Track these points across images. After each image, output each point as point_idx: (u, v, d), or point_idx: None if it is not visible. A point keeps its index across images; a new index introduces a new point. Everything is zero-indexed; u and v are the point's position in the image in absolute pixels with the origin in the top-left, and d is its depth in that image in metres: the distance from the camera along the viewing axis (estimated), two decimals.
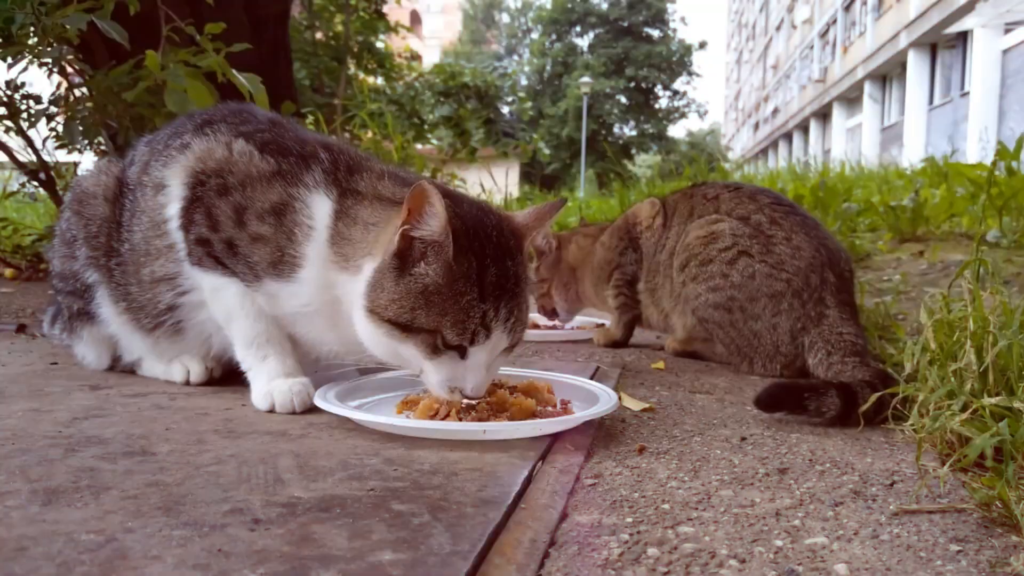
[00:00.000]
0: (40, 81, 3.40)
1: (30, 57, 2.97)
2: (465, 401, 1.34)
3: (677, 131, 58.24)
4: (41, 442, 1.21)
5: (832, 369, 1.86)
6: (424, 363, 1.31)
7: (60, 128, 3.26)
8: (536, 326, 2.81)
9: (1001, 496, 1.00)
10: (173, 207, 1.54)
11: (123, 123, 3.11)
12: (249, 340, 1.52)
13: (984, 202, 3.30)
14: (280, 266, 1.44)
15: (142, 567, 0.78)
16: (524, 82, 39.52)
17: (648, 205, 2.45)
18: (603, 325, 2.69)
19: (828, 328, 1.94)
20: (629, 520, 1.00)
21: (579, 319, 2.98)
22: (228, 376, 1.73)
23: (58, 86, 3.38)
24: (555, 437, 1.33)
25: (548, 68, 41.15)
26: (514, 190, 7.32)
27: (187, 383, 1.71)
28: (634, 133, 40.55)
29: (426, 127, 11.31)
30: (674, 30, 41.73)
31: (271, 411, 1.47)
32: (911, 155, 13.25)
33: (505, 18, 48.85)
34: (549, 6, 42.80)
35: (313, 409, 1.45)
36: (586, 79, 31.34)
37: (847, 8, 27.28)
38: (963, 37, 18.03)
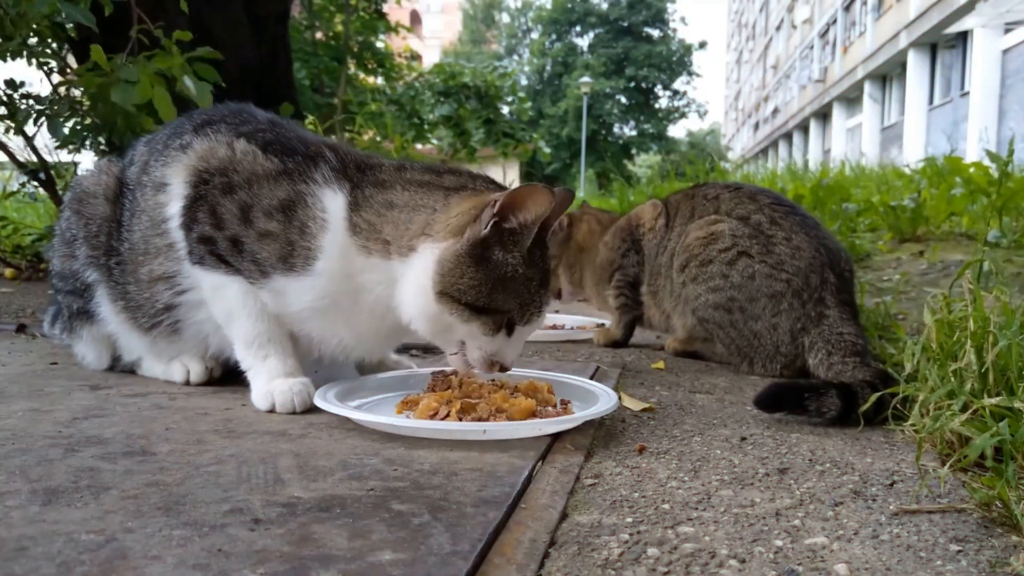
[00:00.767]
0: (41, 81, 3.41)
1: (7, 54, 2.96)
2: (490, 377, 1.47)
3: (677, 131, 58.35)
4: (41, 442, 1.21)
5: (832, 369, 1.86)
6: (477, 339, 1.39)
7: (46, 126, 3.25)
8: None
9: (1001, 496, 1.00)
10: (174, 206, 1.54)
11: (109, 120, 3.09)
12: (250, 339, 1.52)
13: (985, 202, 3.30)
14: (291, 260, 1.45)
15: (142, 567, 0.78)
16: (524, 82, 39.52)
17: (650, 207, 2.45)
18: (603, 325, 2.69)
19: (828, 328, 1.94)
20: (629, 520, 1.00)
21: (579, 319, 2.98)
22: (228, 376, 1.73)
23: (57, 85, 3.38)
24: (555, 437, 1.33)
25: (548, 68, 41.16)
26: None
27: (187, 383, 1.71)
28: (634, 133, 40.55)
29: (426, 127, 11.31)
30: (674, 30, 41.78)
31: (271, 411, 1.47)
32: (911, 155, 13.26)
33: (505, 18, 48.86)
34: (549, 6, 42.80)
35: (313, 409, 1.45)
36: (586, 79, 31.35)
37: (847, 8, 27.28)
38: (963, 37, 18.03)
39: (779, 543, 0.94)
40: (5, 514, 0.91)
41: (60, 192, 3.77)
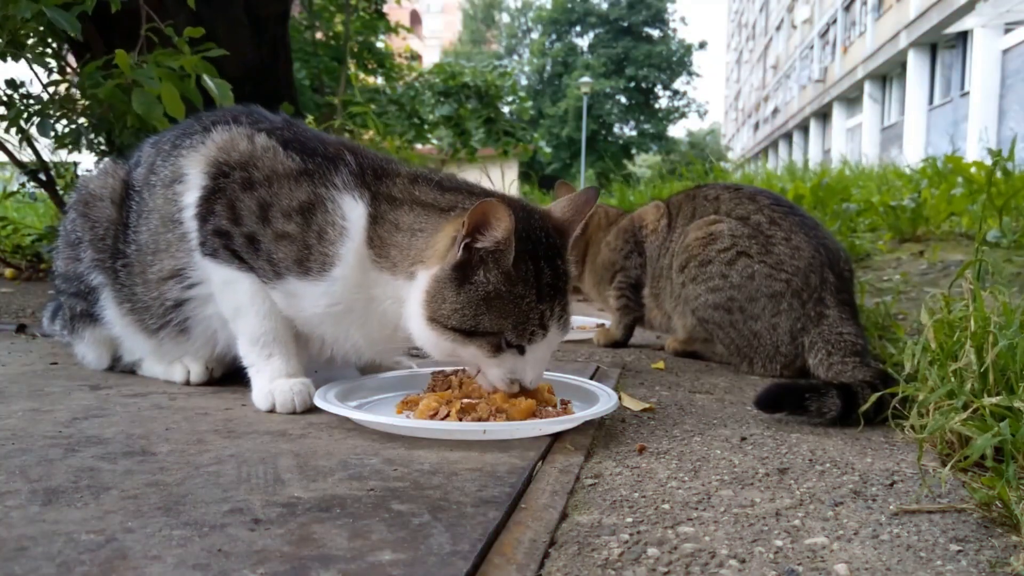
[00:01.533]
0: (37, 80, 3.40)
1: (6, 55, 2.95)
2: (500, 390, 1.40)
3: (677, 131, 58.35)
4: (41, 442, 1.21)
5: (832, 369, 1.86)
6: (484, 361, 1.36)
7: (36, 124, 3.24)
8: None
9: (1001, 496, 1.00)
10: (191, 195, 1.52)
11: (106, 119, 3.07)
12: (255, 337, 1.51)
13: (985, 202, 3.30)
14: (307, 264, 1.44)
15: (142, 567, 0.78)
16: (524, 82, 39.51)
17: (653, 208, 2.45)
18: (603, 325, 2.69)
19: (828, 328, 1.94)
20: (629, 520, 1.00)
21: (579, 319, 2.98)
22: (228, 376, 1.73)
23: (57, 85, 3.38)
24: (555, 437, 1.33)
25: (548, 68, 41.15)
26: (514, 190, 7.33)
27: (187, 383, 1.71)
28: (634, 133, 40.53)
29: (426, 127, 11.30)
30: (674, 30, 41.77)
31: (271, 410, 1.47)
32: (911, 155, 13.26)
33: (505, 18, 48.85)
34: (549, 6, 42.80)
35: (313, 409, 1.46)
36: (586, 79, 31.33)
37: (847, 8, 27.27)
38: (963, 37, 18.03)
39: (779, 543, 0.94)
40: (5, 514, 0.91)
41: (60, 192, 3.77)
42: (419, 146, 10.67)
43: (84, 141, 3.44)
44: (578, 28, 41.72)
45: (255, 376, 1.53)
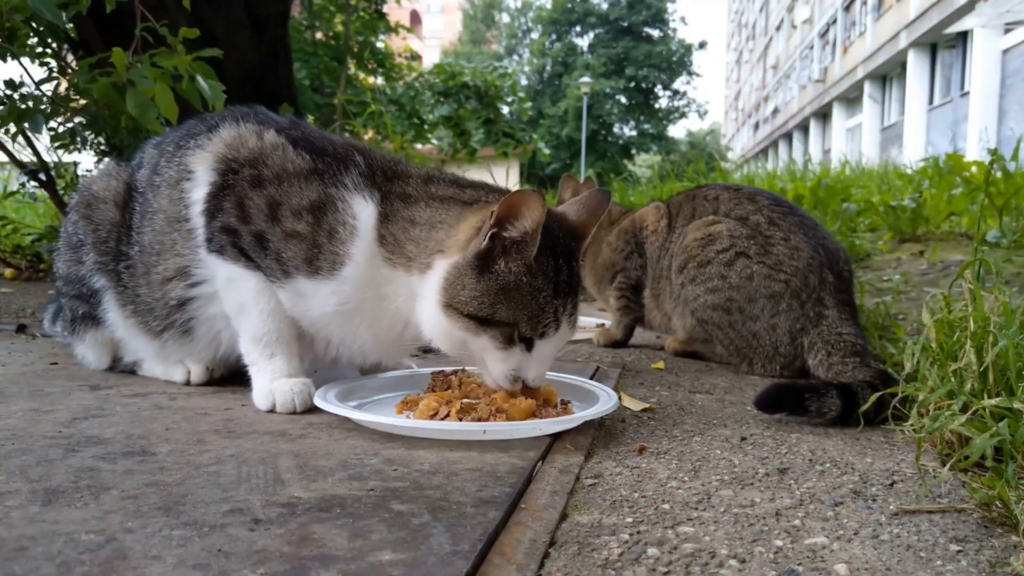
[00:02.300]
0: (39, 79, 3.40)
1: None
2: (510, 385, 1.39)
3: (677, 131, 58.37)
4: (41, 442, 1.21)
5: (832, 369, 1.86)
6: (492, 354, 1.36)
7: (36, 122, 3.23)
8: None
9: (1001, 496, 1.00)
10: (199, 192, 1.52)
11: (102, 117, 3.06)
12: (258, 336, 1.51)
13: (983, 202, 3.30)
14: (317, 263, 1.44)
15: (142, 567, 0.78)
16: (524, 82, 39.50)
17: (653, 209, 2.45)
18: (603, 325, 2.69)
19: (827, 328, 1.94)
20: (629, 520, 1.00)
21: (579, 319, 2.98)
22: (228, 376, 1.73)
23: (57, 86, 3.38)
24: (555, 437, 1.33)
25: (548, 68, 41.15)
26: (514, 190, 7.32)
27: (187, 383, 1.71)
28: (634, 133, 40.53)
29: (426, 127, 11.30)
30: (674, 30, 41.74)
31: (272, 410, 1.47)
32: (911, 155, 13.26)
33: (505, 18, 48.85)
34: (549, 6, 42.80)
35: (313, 409, 1.46)
36: (586, 79, 31.34)
37: (847, 8, 27.28)
38: (963, 37, 18.03)
39: (779, 543, 0.94)
40: (5, 514, 0.91)
41: (60, 192, 3.77)
42: (419, 146, 10.67)
43: (80, 140, 3.43)
44: (578, 28, 41.72)
45: (256, 375, 1.52)
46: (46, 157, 3.71)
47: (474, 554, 0.84)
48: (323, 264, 1.43)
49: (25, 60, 3.17)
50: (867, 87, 24.38)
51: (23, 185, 4.45)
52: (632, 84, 39.30)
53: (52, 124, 3.39)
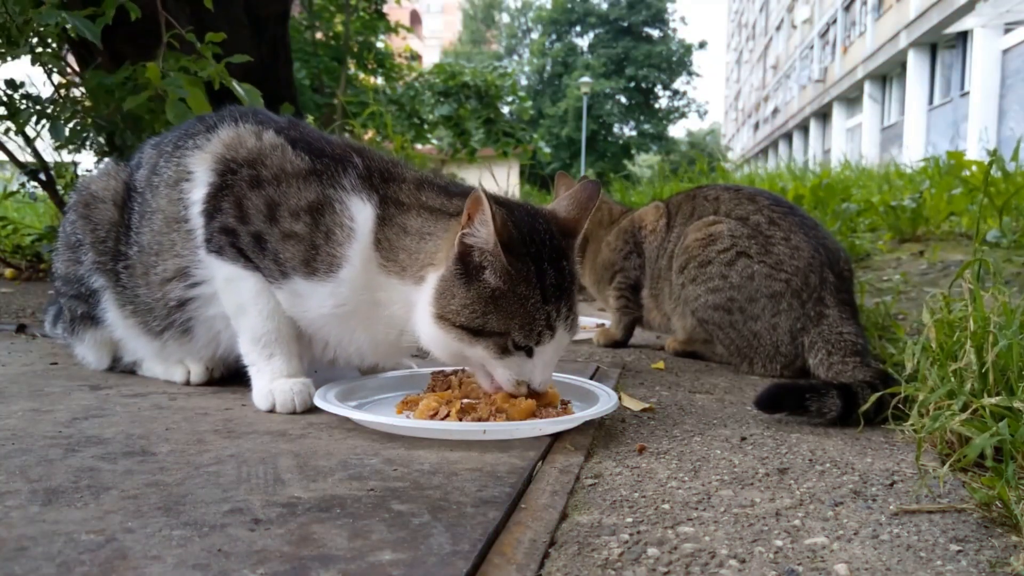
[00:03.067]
0: (40, 81, 3.41)
1: (7, 54, 2.97)
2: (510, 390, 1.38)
3: (677, 131, 58.39)
4: (41, 442, 1.21)
5: (833, 369, 1.86)
6: (492, 363, 1.35)
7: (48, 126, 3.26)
8: None
9: (1001, 496, 1.00)
10: (198, 192, 1.52)
11: (116, 123, 3.09)
12: (257, 336, 1.51)
13: (983, 202, 3.31)
14: (314, 264, 1.43)
15: (142, 567, 0.78)
16: (524, 82, 39.50)
17: (653, 209, 2.45)
18: (603, 325, 2.69)
19: (828, 328, 1.94)
20: (629, 520, 1.00)
21: (579, 319, 2.97)
22: (228, 376, 1.73)
23: (58, 87, 3.38)
24: (555, 437, 1.33)
25: (548, 68, 41.15)
26: (515, 190, 7.32)
27: (187, 383, 1.71)
28: (634, 133, 40.53)
29: (426, 127, 11.31)
30: (674, 30, 41.75)
31: (271, 410, 1.47)
32: (911, 155, 13.26)
33: (505, 18, 48.85)
34: (549, 6, 42.80)
35: (313, 409, 1.46)
36: (586, 79, 31.33)
37: (847, 8, 27.27)
38: (963, 37, 18.03)
39: (779, 543, 0.94)
40: (5, 514, 0.91)
41: (60, 192, 3.77)
42: (419, 146, 10.67)
43: (82, 140, 3.44)
44: (578, 28, 41.72)
45: (256, 376, 1.52)
46: (46, 157, 3.72)
47: (474, 554, 0.84)
48: (320, 266, 1.43)
49: (21, 62, 3.17)
50: (867, 87, 24.38)
51: (23, 185, 4.45)
52: (632, 84, 39.31)
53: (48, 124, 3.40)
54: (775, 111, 38.86)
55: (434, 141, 11.48)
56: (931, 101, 20.37)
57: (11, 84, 3.25)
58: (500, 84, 12.14)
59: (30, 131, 3.42)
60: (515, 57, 46.02)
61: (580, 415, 1.37)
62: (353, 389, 1.57)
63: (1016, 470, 1.09)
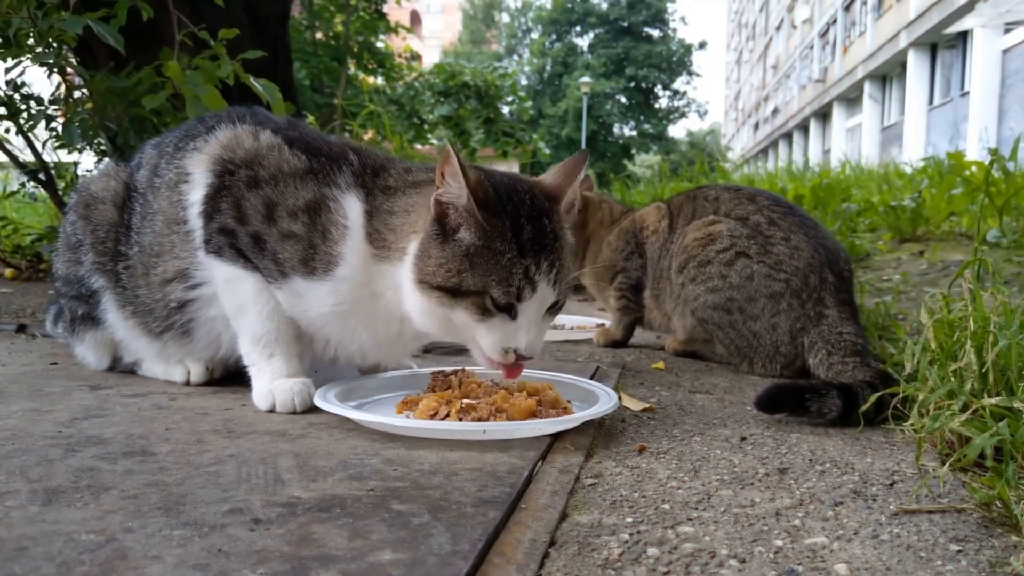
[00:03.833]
0: (41, 82, 3.40)
1: (28, 59, 2.98)
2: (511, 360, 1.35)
3: (677, 131, 58.41)
4: (41, 442, 1.21)
5: (833, 369, 1.86)
6: (476, 328, 1.33)
7: (60, 129, 3.27)
8: None
9: (1001, 496, 1.00)
10: (196, 194, 1.52)
11: (122, 124, 3.11)
12: (257, 336, 1.51)
13: (983, 202, 3.30)
14: (313, 264, 1.44)
15: (142, 567, 0.78)
16: (524, 82, 39.49)
17: (654, 210, 2.45)
18: (603, 325, 2.69)
19: (828, 328, 1.94)
20: (629, 520, 1.00)
21: (579, 319, 2.98)
22: (228, 376, 1.73)
23: (58, 87, 3.38)
24: (555, 437, 1.33)
25: (548, 68, 41.15)
26: None
27: (187, 383, 1.71)
28: (634, 133, 40.53)
29: (426, 127, 11.31)
30: (674, 30, 41.75)
31: (271, 410, 1.47)
32: (911, 155, 13.26)
33: (505, 18, 48.84)
34: (549, 6, 42.80)
35: (313, 409, 1.46)
36: (586, 79, 31.34)
37: (847, 8, 27.28)
38: (963, 37, 18.03)
39: (779, 543, 0.94)
40: (5, 514, 0.91)
41: (60, 192, 3.77)
42: (419, 146, 10.68)
43: (100, 143, 3.45)
44: (578, 28, 41.72)
45: (256, 376, 1.52)
46: (46, 157, 3.71)
47: (474, 554, 0.84)
48: (318, 265, 1.44)
49: (20, 65, 3.17)
50: (867, 87, 24.38)
51: (23, 185, 4.44)
52: (632, 84, 39.31)
53: (53, 125, 3.41)
54: (775, 111, 38.86)
55: (434, 141, 11.48)
56: (931, 101, 20.37)
57: (12, 84, 3.25)
58: (500, 84, 12.15)
59: (42, 134, 3.42)
60: (515, 57, 46.02)
61: (580, 415, 1.37)
62: (353, 389, 1.57)
63: (1016, 470, 1.09)
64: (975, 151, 12.82)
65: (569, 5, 41.01)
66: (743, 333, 2.07)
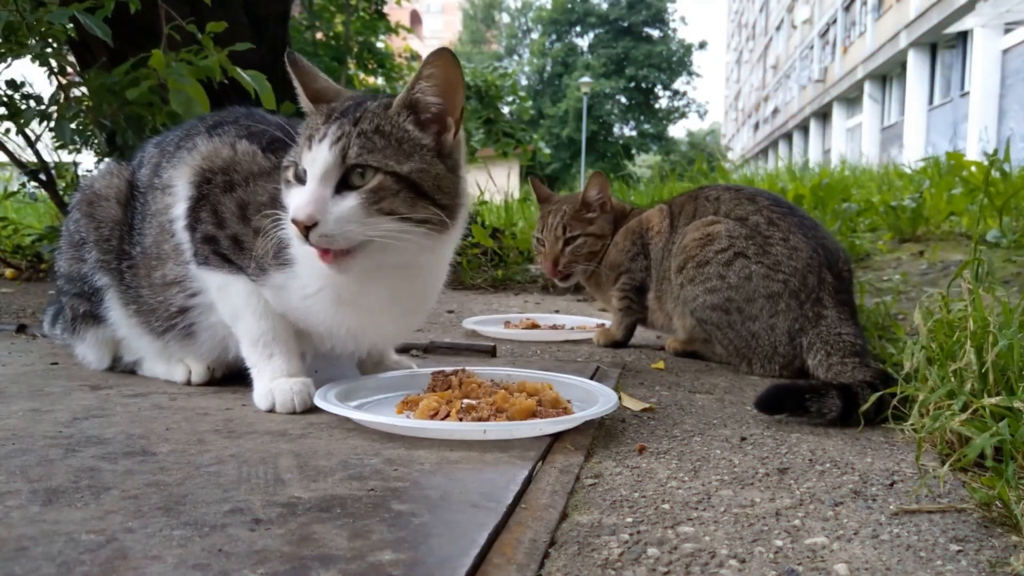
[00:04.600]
0: (42, 82, 3.41)
1: (13, 54, 2.97)
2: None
3: (677, 131, 58.41)
4: (41, 442, 1.21)
5: (832, 370, 1.86)
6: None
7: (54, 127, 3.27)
8: (536, 326, 2.80)
9: (1001, 496, 1.00)
10: (179, 207, 1.56)
11: (118, 122, 3.11)
12: (255, 338, 1.52)
13: (983, 202, 3.31)
14: (284, 255, 1.46)
15: (142, 567, 0.78)
16: (524, 82, 39.49)
17: (658, 212, 2.44)
18: (603, 325, 2.69)
19: (827, 329, 1.94)
20: (629, 520, 1.00)
21: (579, 319, 2.98)
22: (229, 376, 1.73)
23: (58, 86, 3.38)
24: (555, 437, 1.33)
25: (548, 68, 41.15)
26: (515, 191, 7.32)
27: (188, 383, 1.71)
28: (634, 133, 40.54)
29: None
30: (674, 30, 41.79)
31: (271, 410, 1.47)
32: (911, 155, 13.26)
33: (505, 18, 48.84)
34: (549, 6, 42.80)
35: (313, 409, 1.46)
36: (586, 79, 31.34)
37: (847, 8, 27.27)
38: (963, 37, 18.04)
39: (779, 543, 0.94)
40: (5, 514, 0.91)
41: (61, 192, 3.77)
42: None
43: (95, 142, 3.45)
44: (578, 28, 41.73)
45: (256, 376, 1.53)
46: (46, 157, 3.72)
47: (474, 554, 0.84)
48: (288, 255, 1.46)
49: (21, 61, 3.18)
50: (867, 87, 24.38)
51: (23, 185, 4.45)
52: (632, 84, 39.32)
53: (52, 125, 3.40)
54: (775, 111, 38.86)
55: None
56: (931, 101, 20.38)
57: (12, 84, 3.25)
58: (500, 84, 12.15)
59: (33, 130, 3.42)
60: (515, 57, 46.01)
61: (580, 415, 1.37)
62: (353, 389, 1.57)
63: (1016, 470, 1.09)
64: (975, 151, 12.82)
65: (569, 5, 41.01)
66: (741, 333, 2.07)
